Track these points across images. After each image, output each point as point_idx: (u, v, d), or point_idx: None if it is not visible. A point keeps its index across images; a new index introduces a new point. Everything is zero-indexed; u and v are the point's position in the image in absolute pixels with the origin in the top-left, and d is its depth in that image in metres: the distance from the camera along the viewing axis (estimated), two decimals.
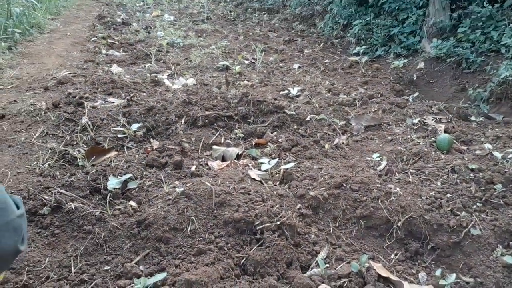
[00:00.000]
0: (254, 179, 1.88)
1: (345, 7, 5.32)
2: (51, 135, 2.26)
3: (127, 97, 2.60)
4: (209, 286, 1.28)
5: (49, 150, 2.07)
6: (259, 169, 1.96)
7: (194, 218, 1.55)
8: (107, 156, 2.08)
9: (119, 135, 2.27)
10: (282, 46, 5.22)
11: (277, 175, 1.94)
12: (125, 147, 2.22)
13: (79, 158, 2.04)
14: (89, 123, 2.30)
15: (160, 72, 4.10)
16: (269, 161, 1.95)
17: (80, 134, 2.23)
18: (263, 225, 1.51)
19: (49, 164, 1.96)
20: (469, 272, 1.58)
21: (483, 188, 1.85)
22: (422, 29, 4.37)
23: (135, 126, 2.30)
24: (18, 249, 0.89)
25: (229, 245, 1.49)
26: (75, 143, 2.19)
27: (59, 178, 1.85)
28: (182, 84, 3.66)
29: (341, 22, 5.46)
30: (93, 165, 1.96)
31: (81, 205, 1.61)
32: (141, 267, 1.41)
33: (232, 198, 1.62)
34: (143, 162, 2.00)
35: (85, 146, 2.15)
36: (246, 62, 4.58)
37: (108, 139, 2.24)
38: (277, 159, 2.01)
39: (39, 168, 1.92)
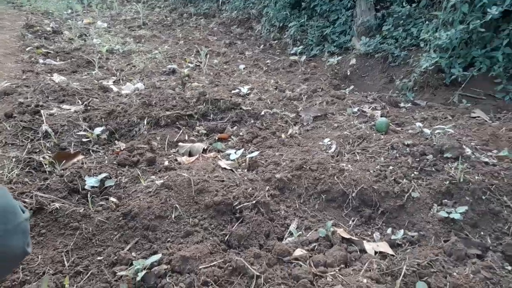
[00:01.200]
0: (224, 168, 2.05)
1: (280, 11, 5.64)
2: (10, 145, 2.24)
3: (85, 103, 2.63)
4: (202, 259, 1.44)
5: (13, 159, 2.06)
6: (228, 159, 2.14)
7: (177, 205, 1.69)
8: (75, 160, 2.12)
9: (83, 139, 2.31)
10: (224, 49, 5.41)
11: (244, 163, 2.13)
12: (91, 151, 2.26)
13: (45, 164, 2.06)
14: (50, 130, 2.30)
15: (105, 79, 4.08)
16: (235, 152, 2.13)
17: (42, 141, 2.24)
18: (241, 205, 1.69)
19: (15, 173, 1.96)
20: (413, 228, 1.88)
21: (418, 159, 2.20)
22: (352, 29, 4.81)
23: (98, 130, 2.35)
24: (26, 251, 0.94)
25: (212, 225, 1.65)
26: (38, 150, 2.20)
27: (30, 184, 1.87)
28: (130, 89, 3.70)
29: (277, 24, 5.78)
30: (64, 169, 2.00)
31: (63, 205, 1.67)
32: (133, 254, 1.52)
33: (209, 185, 1.78)
34: (114, 162, 2.07)
35: (49, 152, 2.17)
36: (191, 65, 4.70)
37: (72, 144, 2.27)
38: (242, 150, 2.20)
39: (6, 177, 1.92)
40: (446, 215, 1.87)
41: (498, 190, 2.02)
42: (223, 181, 1.87)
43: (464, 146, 2.31)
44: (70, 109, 2.67)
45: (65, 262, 1.47)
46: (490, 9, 3.19)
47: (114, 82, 4.03)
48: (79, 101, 2.81)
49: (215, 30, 6.73)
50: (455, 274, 1.56)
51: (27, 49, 4.95)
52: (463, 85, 3.54)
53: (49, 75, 4.05)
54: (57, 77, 3.98)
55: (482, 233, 1.90)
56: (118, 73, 4.32)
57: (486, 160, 2.24)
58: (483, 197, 1.97)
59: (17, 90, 3.15)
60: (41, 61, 4.61)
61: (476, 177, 2.04)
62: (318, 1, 5.10)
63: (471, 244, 1.82)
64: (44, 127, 2.30)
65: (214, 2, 7.97)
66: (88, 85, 3.51)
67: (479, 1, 3.35)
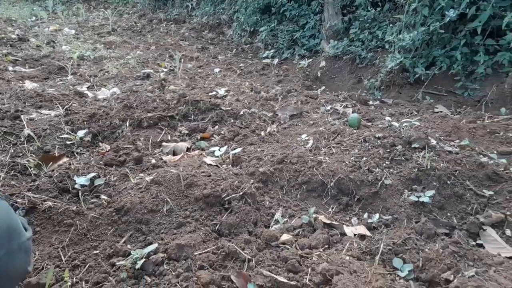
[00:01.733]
0: (210, 164, 2.15)
1: (250, 16, 5.78)
2: None
3: (65, 107, 2.65)
4: (196, 247, 1.52)
5: None
6: (212, 156, 2.23)
7: (168, 199, 1.77)
8: (60, 162, 2.15)
9: (67, 142, 2.33)
10: (197, 54, 5.49)
11: (228, 159, 2.23)
12: (75, 153, 2.30)
13: (30, 167, 2.08)
14: (32, 134, 2.32)
15: (79, 85, 4.07)
16: (219, 149, 2.23)
17: (25, 145, 2.25)
18: (229, 196, 1.79)
19: (1, 176, 1.97)
20: (387, 212, 2.04)
21: (388, 150, 2.37)
22: (320, 32, 5.01)
23: (81, 133, 2.38)
24: (28, 270, 0.95)
25: (203, 216, 1.74)
26: (22, 154, 2.21)
27: (18, 186, 1.89)
28: (106, 94, 3.71)
29: (248, 29, 5.92)
30: (51, 171, 2.03)
31: (55, 203, 1.71)
32: (128, 246, 1.59)
33: (197, 180, 1.87)
34: (101, 162, 2.12)
35: (33, 155, 2.19)
36: (165, 70, 4.75)
37: (56, 147, 2.29)
38: (225, 147, 2.30)
39: None
40: (416, 199, 2.05)
41: (461, 175, 2.22)
42: (210, 175, 1.96)
43: (429, 137, 2.51)
44: (50, 113, 2.68)
45: (62, 257, 1.52)
46: (448, 11, 3.45)
47: (88, 88, 4.02)
48: (58, 105, 2.82)
49: (186, 35, 6.79)
50: (426, 250, 1.72)
51: None
52: (426, 83, 3.79)
53: (20, 82, 3.99)
54: (29, 84, 3.93)
55: (448, 214, 2.08)
56: (91, 79, 4.31)
57: (450, 149, 2.45)
58: (448, 182, 2.16)
59: None
60: (10, 68, 4.53)
61: (441, 164, 2.24)
62: (287, 6, 5.28)
63: (440, 224, 2.00)
64: (26, 131, 2.31)
65: (184, 8, 8.03)
66: (63, 91, 3.50)
67: (438, 5, 3.61)
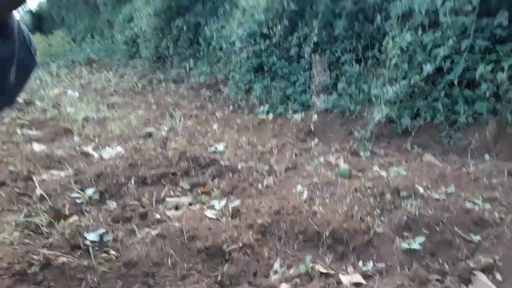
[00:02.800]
0: (211, 217, 2.28)
1: (245, 74, 6.13)
2: (7, 211, 2.38)
3: (74, 167, 2.82)
4: None
5: (13, 223, 2.20)
6: (212, 210, 2.38)
7: (172, 252, 1.88)
8: (71, 220, 2.28)
9: (76, 201, 2.48)
10: (196, 111, 5.78)
11: (228, 212, 2.37)
12: (84, 211, 2.43)
13: (43, 226, 2.21)
14: (44, 194, 2.47)
15: (84, 145, 4.27)
16: (219, 202, 2.38)
17: (38, 205, 2.40)
18: (229, 247, 1.92)
19: (17, 235, 2.10)
20: (381, 260, 2.14)
21: (379, 199, 2.52)
22: (311, 88, 5.34)
23: (90, 191, 2.54)
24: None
25: (205, 268, 1.85)
26: (34, 213, 2.35)
27: (33, 244, 2.01)
28: (110, 153, 3.90)
29: (243, 87, 6.26)
30: (63, 229, 2.15)
31: (67, 259, 1.82)
32: None
33: (199, 233, 2.00)
34: (108, 218, 2.25)
35: (46, 214, 2.32)
36: (166, 128, 5.00)
37: (67, 205, 2.44)
38: (224, 200, 2.45)
39: (9, 240, 2.06)
40: (408, 246, 2.16)
41: (449, 221, 2.35)
42: (210, 228, 2.09)
43: (417, 185, 2.67)
44: (59, 174, 2.85)
45: None
46: (425, 66, 3.76)
47: (93, 148, 4.22)
48: (67, 166, 3.00)
49: (185, 94, 7.14)
50: None
51: (4, 120, 5.09)
52: (413, 133, 4.02)
53: (29, 144, 4.20)
54: (37, 146, 4.13)
55: (440, 260, 2.19)
56: (96, 139, 4.52)
57: (437, 196, 2.61)
58: (437, 228, 2.30)
59: (3, 159, 3.29)
60: (19, 131, 4.75)
61: (430, 212, 2.38)
62: (278, 64, 5.65)
63: (431, 270, 2.10)
64: (38, 191, 2.46)
65: (182, 68, 8.49)
66: (70, 152, 3.69)
67: (416, 60, 3.94)
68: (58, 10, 17.67)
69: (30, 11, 20.30)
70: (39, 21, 19.60)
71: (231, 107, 6.00)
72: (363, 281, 1.98)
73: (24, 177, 2.69)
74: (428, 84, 3.97)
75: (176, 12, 8.51)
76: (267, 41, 5.62)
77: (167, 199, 2.58)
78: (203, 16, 8.00)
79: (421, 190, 2.63)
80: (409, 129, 4.02)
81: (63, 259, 1.79)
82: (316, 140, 4.36)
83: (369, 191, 2.60)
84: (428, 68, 3.70)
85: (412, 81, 3.86)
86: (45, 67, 11.36)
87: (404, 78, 4.00)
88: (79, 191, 2.58)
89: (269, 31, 5.59)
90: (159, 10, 8.61)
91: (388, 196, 2.52)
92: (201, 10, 8.14)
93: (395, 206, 2.46)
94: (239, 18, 6.09)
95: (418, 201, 2.44)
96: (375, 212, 2.40)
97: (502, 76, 3.33)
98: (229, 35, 6.47)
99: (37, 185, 2.58)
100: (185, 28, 8.15)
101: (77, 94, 7.40)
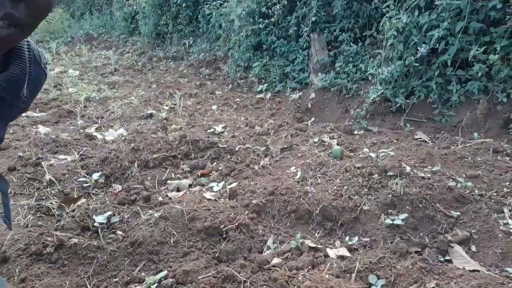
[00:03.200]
0: (209, 199, 2.46)
1: (244, 52, 6.19)
2: (19, 195, 2.56)
3: (80, 153, 2.99)
4: (200, 272, 1.82)
5: (25, 207, 2.38)
6: (211, 191, 2.55)
7: (174, 232, 2.07)
8: (79, 203, 2.46)
9: (84, 185, 2.65)
10: (195, 90, 5.88)
11: (225, 193, 2.54)
12: (91, 194, 2.61)
13: (53, 209, 2.39)
14: (53, 178, 2.64)
15: (87, 127, 4.42)
16: (217, 184, 2.55)
17: (48, 189, 2.57)
18: (226, 227, 2.10)
19: (30, 218, 2.28)
20: (366, 235, 2.33)
21: (367, 179, 2.68)
22: (309, 66, 5.41)
23: (96, 175, 2.71)
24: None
25: (204, 246, 2.04)
26: (45, 197, 2.53)
27: (45, 226, 2.20)
28: (113, 135, 4.05)
29: (242, 65, 6.32)
30: (72, 211, 2.34)
31: (79, 240, 2.01)
32: (143, 274, 1.88)
33: (199, 214, 2.18)
34: (115, 202, 2.43)
35: (55, 198, 2.50)
36: (166, 108, 5.12)
37: (75, 189, 2.61)
38: (222, 182, 2.62)
39: (23, 223, 2.24)
40: (391, 222, 2.34)
41: (432, 198, 2.52)
42: (209, 209, 2.27)
43: (404, 165, 2.82)
44: (66, 158, 3.01)
45: (88, 286, 1.81)
46: (420, 47, 3.83)
47: (96, 129, 4.37)
48: (73, 150, 3.16)
49: (184, 72, 7.21)
50: (398, 267, 2.00)
51: None
52: (407, 111, 4.13)
53: (34, 127, 4.35)
54: (42, 129, 4.28)
55: (421, 234, 2.37)
56: (98, 121, 4.66)
57: (422, 175, 2.76)
58: (420, 205, 2.46)
59: (10, 144, 3.45)
60: (23, 114, 4.89)
61: (414, 190, 2.54)
62: (277, 43, 5.70)
63: (412, 243, 2.28)
64: (48, 176, 2.63)
65: (181, 46, 8.50)
66: (74, 135, 3.84)
67: (412, 41, 4.00)
68: None
69: None
70: None
71: (230, 86, 6.10)
72: (348, 254, 2.16)
73: (33, 162, 2.86)
74: (422, 64, 4.05)
75: None
76: (266, 20, 5.65)
77: (169, 181, 2.75)
78: None
79: (408, 169, 2.78)
80: (403, 108, 4.13)
81: (74, 240, 1.98)
82: (313, 118, 4.49)
83: (358, 171, 2.75)
84: (423, 49, 3.78)
85: (407, 61, 3.94)
86: (44, 44, 11.34)
87: (399, 58, 4.08)
88: (85, 175, 2.75)
89: (268, 10, 5.61)
90: None
91: (375, 176, 2.67)
92: None
93: (382, 185, 2.63)
94: None
95: (404, 180, 2.59)
96: (362, 191, 2.57)
97: (494, 57, 3.41)
98: (228, 13, 6.47)
99: (46, 170, 2.75)
100: (184, 4, 8.11)
101: (77, 72, 7.48)
